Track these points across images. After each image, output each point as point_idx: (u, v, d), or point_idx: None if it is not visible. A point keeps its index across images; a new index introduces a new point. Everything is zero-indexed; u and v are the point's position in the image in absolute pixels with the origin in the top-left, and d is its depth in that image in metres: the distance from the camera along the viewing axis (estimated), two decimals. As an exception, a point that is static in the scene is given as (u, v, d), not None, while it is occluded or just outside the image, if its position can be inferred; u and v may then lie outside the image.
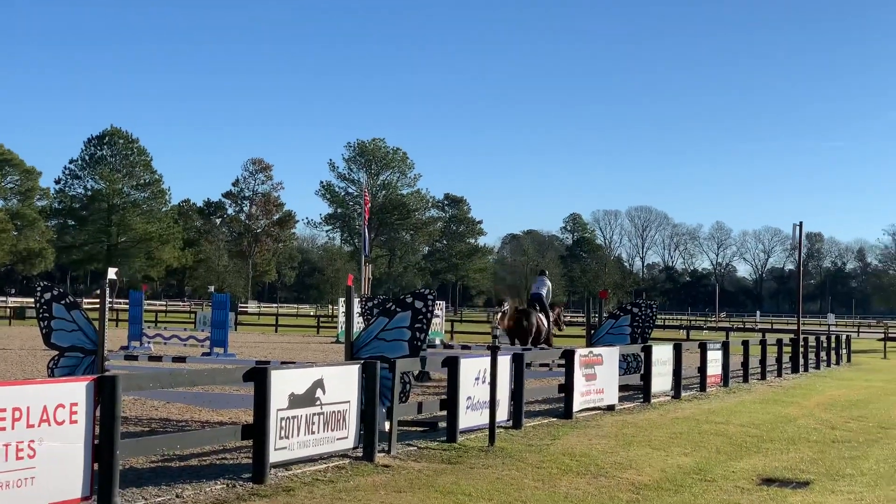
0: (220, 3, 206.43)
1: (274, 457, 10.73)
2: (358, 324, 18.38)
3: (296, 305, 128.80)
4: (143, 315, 35.84)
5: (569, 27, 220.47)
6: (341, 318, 44.13)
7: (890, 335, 53.02)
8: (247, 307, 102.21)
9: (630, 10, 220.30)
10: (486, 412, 14.09)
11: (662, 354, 21.56)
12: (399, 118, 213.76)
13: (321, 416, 11.49)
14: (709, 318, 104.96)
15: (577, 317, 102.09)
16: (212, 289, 54.99)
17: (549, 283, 32.77)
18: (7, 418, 7.81)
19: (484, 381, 14.36)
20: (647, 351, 20.84)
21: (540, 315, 29.92)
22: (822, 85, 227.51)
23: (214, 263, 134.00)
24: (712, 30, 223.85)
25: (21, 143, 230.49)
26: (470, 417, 14.23)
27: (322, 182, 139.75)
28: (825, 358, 35.46)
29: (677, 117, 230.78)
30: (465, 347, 25.77)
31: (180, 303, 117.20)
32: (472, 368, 14.36)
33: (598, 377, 18.20)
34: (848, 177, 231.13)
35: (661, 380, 21.37)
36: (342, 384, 11.88)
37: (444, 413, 14.10)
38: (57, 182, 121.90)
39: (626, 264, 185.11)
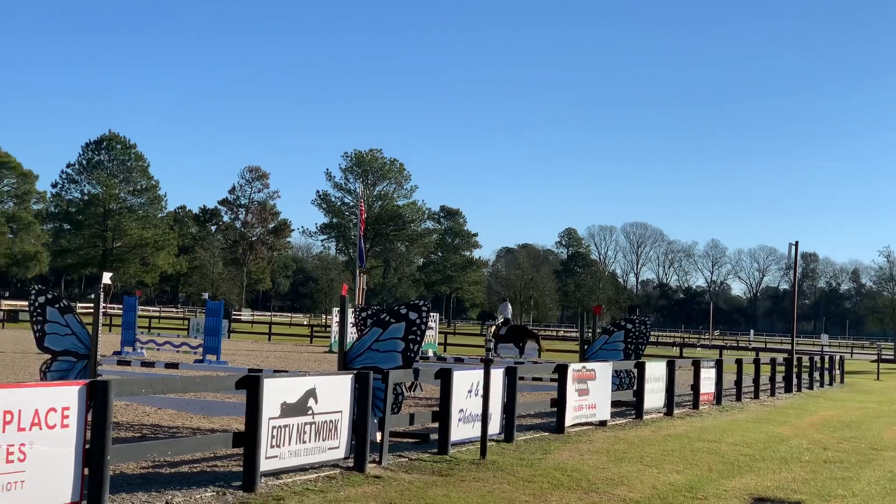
0: (221, 10, 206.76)
1: (265, 465, 10.70)
2: (351, 334, 18.34)
3: (289, 314, 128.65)
4: (136, 321, 35.76)
5: (565, 39, 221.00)
6: (335, 328, 44.08)
7: (883, 357, 53.09)
8: (240, 315, 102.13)
9: (623, 27, 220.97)
10: (479, 425, 14.07)
11: (656, 371, 21.55)
12: (396, 129, 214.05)
13: (313, 426, 11.46)
14: (702, 336, 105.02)
15: (571, 332, 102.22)
16: (206, 296, 54.83)
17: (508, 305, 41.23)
18: (-2, 421, 7.79)
19: (476, 394, 14.34)
20: (641, 367, 20.84)
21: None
22: (819, 103, 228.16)
23: (209, 270, 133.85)
24: (711, 48, 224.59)
25: (19, 146, 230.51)
26: (462, 430, 14.21)
27: (318, 191, 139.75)
28: (818, 378, 35.48)
29: (674, 134, 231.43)
30: (458, 360, 25.74)
31: (174, 309, 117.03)
32: (465, 381, 14.34)
33: (590, 392, 18.19)
34: (844, 197, 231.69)
35: (654, 396, 21.36)
36: (335, 394, 11.86)
37: (436, 425, 14.09)
38: (54, 186, 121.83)
39: (620, 280, 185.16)
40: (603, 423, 18.67)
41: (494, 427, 14.86)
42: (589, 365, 18.76)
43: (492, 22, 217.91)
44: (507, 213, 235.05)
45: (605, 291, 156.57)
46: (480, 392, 14.16)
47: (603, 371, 18.88)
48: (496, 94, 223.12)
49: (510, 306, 40.94)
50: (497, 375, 15.03)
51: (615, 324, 22.44)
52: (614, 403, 19.75)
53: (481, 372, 14.27)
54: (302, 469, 11.54)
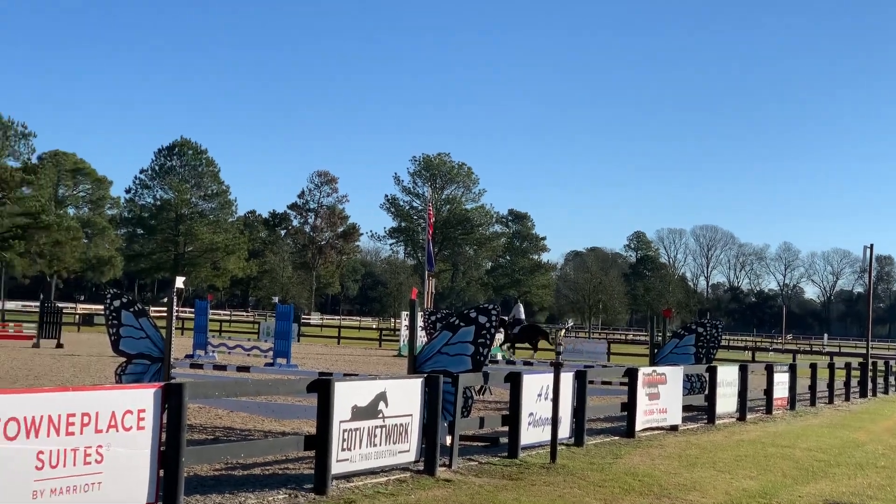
0: (287, 16, 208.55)
1: (336, 468, 10.76)
2: (421, 337, 18.39)
3: (358, 318, 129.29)
4: (208, 324, 36.20)
5: (629, 42, 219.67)
6: (404, 332, 44.19)
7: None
8: (310, 319, 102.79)
9: (697, 32, 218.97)
10: (548, 429, 14.03)
11: (728, 375, 21.32)
12: (465, 133, 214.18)
13: (383, 429, 11.50)
14: (775, 340, 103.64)
15: (640, 335, 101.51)
16: (276, 300, 55.34)
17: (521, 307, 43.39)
18: (76, 423, 7.92)
19: (546, 398, 14.30)
20: (713, 371, 20.62)
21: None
22: (891, 103, 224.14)
23: (279, 274, 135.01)
24: (781, 46, 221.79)
25: (94, 152, 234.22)
26: (532, 433, 14.17)
27: (387, 195, 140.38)
28: (894, 383, 34.86)
29: (745, 136, 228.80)
30: (527, 363, 25.66)
31: (244, 313, 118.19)
32: (535, 384, 14.31)
33: (661, 396, 18.05)
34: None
35: (726, 401, 21.13)
36: (405, 397, 11.89)
37: (506, 428, 14.07)
38: (127, 191, 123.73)
39: (690, 283, 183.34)
40: (674, 428, 18.51)
41: (564, 431, 14.80)
42: (659, 369, 18.62)
43: (558, 25, 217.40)
44: (575, 216, 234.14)
45: (674, 295, 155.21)
46: (550, 396, 14.12)
47: (674, 375, 18.73)
48: (565, 98, 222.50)
49: (522, 307, 43.16)
50: (567, 379, 14.98)
51: (686, 327, 22.25)
52: (685, 408, 19.57)
53: (551, 375, 14.23)
54: (372, 472, 11.59)
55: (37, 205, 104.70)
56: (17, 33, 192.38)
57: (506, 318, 41.06)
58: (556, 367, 14.12)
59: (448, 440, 12.70)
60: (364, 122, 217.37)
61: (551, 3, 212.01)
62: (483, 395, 21.57)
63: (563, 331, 27.38)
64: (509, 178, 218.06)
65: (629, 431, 17.05)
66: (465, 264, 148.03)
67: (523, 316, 42.62)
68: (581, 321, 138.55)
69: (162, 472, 8.78)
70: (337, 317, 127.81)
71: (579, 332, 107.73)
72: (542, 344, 40.51)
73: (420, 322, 16.46)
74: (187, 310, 74.96)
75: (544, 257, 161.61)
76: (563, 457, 13.97)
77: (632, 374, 17.46)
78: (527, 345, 41.22)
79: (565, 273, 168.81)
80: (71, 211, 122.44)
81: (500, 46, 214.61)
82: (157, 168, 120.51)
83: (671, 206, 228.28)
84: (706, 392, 20.68)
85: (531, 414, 14.15)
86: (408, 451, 11.97)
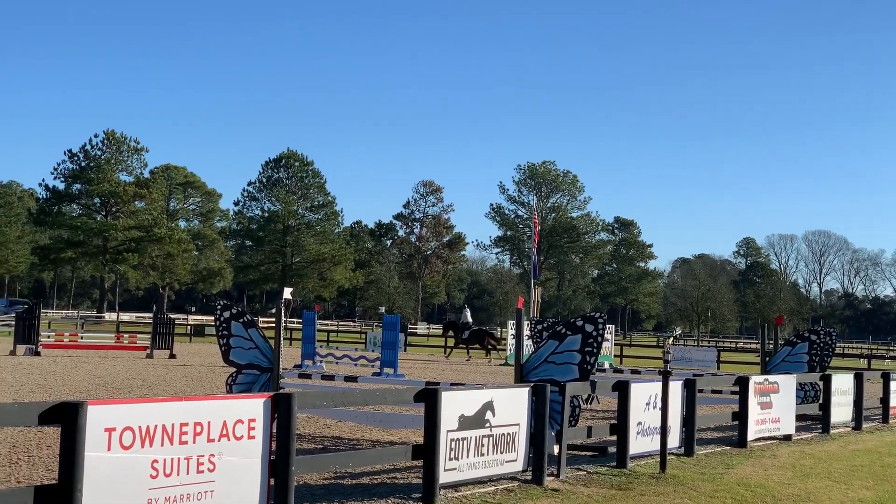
0: (396, 25, 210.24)
1: (443, 478, 10.76)
2: (527, 346, 18.33)
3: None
4: (315, 334, 36.57)
5: (741, 48, 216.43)
6: (510, 341, 44.15)
7: None
8: (416, 328, 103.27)
9: (811, 38, 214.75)
10: (657, 438, 13.86)
11: (843, 384, 20.81)
12: (569, 141, 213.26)
13: (490, 438, 11.48)
14: (892, 348, 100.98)
15: (751, 343, 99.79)
16: (382, 309, 55.70)
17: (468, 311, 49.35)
18: (189, 432, 8.06)
19: (655, 407, 14.13)
20: (827, 380, 20.15)
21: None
22: None
23: (385, 284, 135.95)
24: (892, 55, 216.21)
25: (203, 166, 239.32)
26: (640, 443, 14.01)
27: (492, 205, 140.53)
28: None
29: (855, 139, 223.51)
30: (634, 372, 25.41)
31: (351, 323, 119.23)
32: (643, 393, 14.15)
33: (773, 405, 17.69)
34: None
35: (841, 410, 20.62)
36: (512, 407, 11.86)
37: (614, 438, 13.94)
38: (236, 204, 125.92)
39: (802, 290, 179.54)
40: (787, 438, 18.13)
41: (674, 440, 14.60)
42: (771, 377, 18.26)
43: (657, 32, 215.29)
44: (682, 223, 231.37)
45: (786, 302, 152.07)
46: (658, 405, 13.95)
47: (786, 384, 18.35)
48: (670, 103, 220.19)
49: (468, 311, 48.98)
50: (675, 388, 14.78)
51: (798, 335, 21.78)
52: (799, 417, 19.16)
53: (659, 384, 14.06)
54: (480, 482, 11.57)
55: (149, 218, 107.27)
56: (129, 50, 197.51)
57: (458, 323, 46.09)
58: (665, 376, 13.95)
59: (555, 449, 12.62)
60: (469, 131, 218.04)
61: (655, 13, 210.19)
62: (590, 403, 21.40)
63: (672, 339, 27.03)
64: (615, 186, 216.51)
65: (741, 441, 16.75)
66: (570, 273, 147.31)
67: (470, 319, 46.86)
68: (689, 329, 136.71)
69: (272, 481, 8.88)
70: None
71: (687, 341, 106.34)
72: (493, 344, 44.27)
73: (526, 331, 16.40)
74: (295, 320, 75.98)
75: (651, 265, 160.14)
76: (673, 467, 13.78)
77: (743, 382, 17.15)
78: (477, 346, 45.59)
79: (673, 280, 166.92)
80: (182, 224, 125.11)
81: (604, 55, 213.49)
82: (264, 180, 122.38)
83: (781, 211, 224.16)
84: (820, 401, 20.22)
85: (640, 423, 13.99)
86: (515, 460, 11.93)
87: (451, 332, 50.26)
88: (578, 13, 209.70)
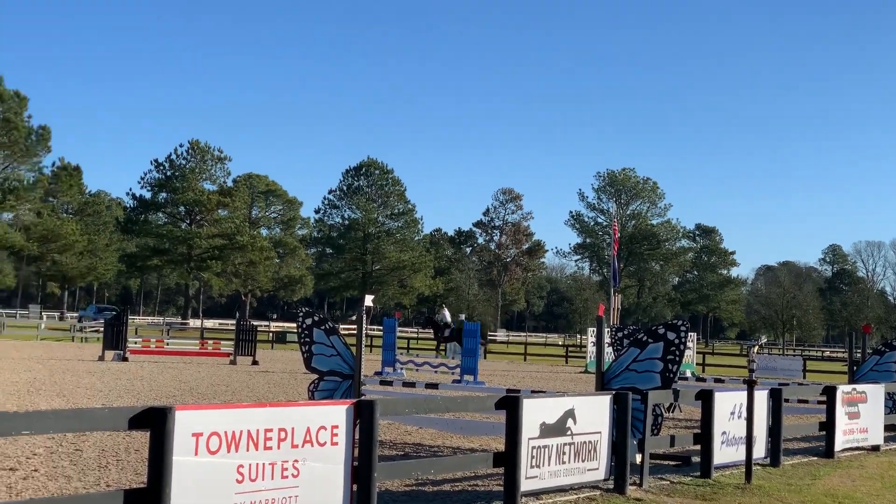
0: (472, 33, 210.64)
1: (525, 485, 10.74)
2: (608, 354, 18.23)
3: (544, 334, 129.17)
4: (396, 342, 36.71)
5: (824, 52, 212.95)
6: (590, 348, 43.91)
7: None
8: (496, 335, 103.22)
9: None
10: (742, 448, 13.68)
11: (932, 393, 20.35)
12: (650, 148, 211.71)
13: (572, 446, 11.43)
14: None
15: (837, 352, 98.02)
16: (462, 317, 55.81)
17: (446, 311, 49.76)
18: (274, 438, 8.16)
19: (739, 416, 13.96)
20: (916, 389, 19.72)
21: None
22: None
23: (464, 292, 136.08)
24: None
25: (284, 174, 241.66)
26: (725, 453, 13.85)
27: (571, 212, 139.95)
28: None
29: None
30: (717, 381, 25.11)
31: (431, 330, 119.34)
32: (727, 402, 13.99)
33: (861, 415, 17.37)
34: None
35: (931, 420, 20.17)
36: (593, 414, 11.80)
37: (698, 447, 13.78)
38: (317, 211, 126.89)
39: (890, 298, 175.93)
40: (875, 448, 17.78)
41: (759, 450, 14.40)
42: (859, 387, 17.93)
43: (739, 35, 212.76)
44: (766, 230, 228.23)
45: (873, 310, 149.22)
46: (743, 414, 13.77)
47: (875, 393, 18.01)
48: (752, 109, 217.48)
49: (447, 311, 49.96)
50: (761, 397, 14.59)
51: (886, 344, 21.35)
52: (887, 427, 18.78)
53: (743, 393, 13.89)
54: (561, 490, 11.52)
55: (232, 226, 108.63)
56: (212, 62, 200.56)
57: (437, 322, 47.19)
58: (750, 385, 13.77)
59: (638, 458, 12.53)
60: (548, 139, 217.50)
61: (736, 20, 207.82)
62: (672, 412, 21.21)
63: (756, 347, 26.63)
64: (697, 192, 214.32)
65: (828, 451, 16.47)
66: (651, 280, 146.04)
67: (449, 319, 47.78)
68: (774, 337, 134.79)
69: (355, 487, 8.94)
70: (522, 333, 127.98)
71: (772, 349, 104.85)
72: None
73: (606, 338, 16.31)
74: (375, 327, 76.37)
75: (734, 272, 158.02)
76: (759, 477, 13.59)
77: (830, 392, 16.87)
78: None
79: (756, 288, 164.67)
80: (264, 231, 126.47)
81: (686, 61, 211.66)
82: (345, 188, 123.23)
83: (869, 218, 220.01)
84: (909, 411, 19.80)
85: (724, 433, 13.83)
86: (597, 468, 11.87)
87: (431, 329, 52.24)
88: (658, 21, 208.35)
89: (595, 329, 14.21)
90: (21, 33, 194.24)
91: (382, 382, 21.72)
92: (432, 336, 51.27)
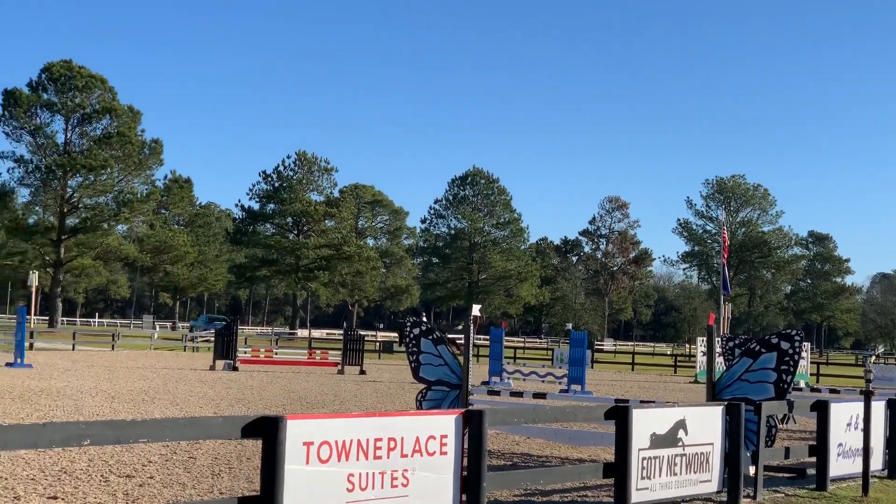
0: (576, 41, 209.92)
1: (635, 497, 10.61)
2: (718, 364, 17.94)
3: (652, 344, 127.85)
4: (503, 351, 36.67)
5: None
6: (700, 358, 43.29)
7: None
8: (603, 345, 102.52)
9: None
10: (859, 460, 13.34)
11: None
12: (760, 154, 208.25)
13: (684, 458, 11.26)
14: None
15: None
16: (569, 326, 55.52)
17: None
18: (383, 447, 8.18)
19: (856, 427, 13.61)
20: None
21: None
22: None
23: (571, 301, 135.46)
24: None
25: (391, 185, 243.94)
26: (841, 465, 13.51)
27: (679, 220, 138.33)
28: None
29: None
30: (833, 391, 24.51)
31: (537, 339, 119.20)
32: (844, 413, 13.65)
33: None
34: None
35: None
36: (705, 425, 11.60)
37: (813, 459, 13.47)
38: (423, 221, 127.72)
39: None
40: None
41: (876, 462, 14.02)
42: (982, 398, 17.34)
43: (860, 33, 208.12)
44: (882, 237, 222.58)
45: None
46: (860, 425, 13.42)
47: None
48: (864, 112, 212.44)
49: (424, 317, 50.51)
50: (878, 408, 14.20)
51: None
52: None
53: (860, 404, 13.54)
54: (672, 502, 11.35)
55: (339, 236, 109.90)
56: (315, 77, 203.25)
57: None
58: (867, 396, 13.41)
59: (752, 470, 12.29)
60: (654, 146, 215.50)
61: (848, 14, 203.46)
62: (786, 423, 20.78)
63: (873, 357, 25.99)
64: (809, 199, 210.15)
65: (949, 465, 15.94)
66: (762, 288, 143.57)
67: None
68: (890, 347, 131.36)
69: (464, 497, 8.92)
70: (630, 343, 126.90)
71: (888, 359, 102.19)
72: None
73: (717, 348, 16.06)
74: (482, 337, 76.50)
75: (848, 280, 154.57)
76: (876, 490, 13.22)
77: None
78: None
79: (871, 296, 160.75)
80: (370, 241, 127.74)
81: (798, 63, 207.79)
82: (450, 198, 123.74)
83: None
84: None
85: (840, 444, 13.49)
86: (709, 480, 11.66)
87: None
88: (769, 24, 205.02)
89: (705, 338, 14.00)
90: (135, 50, 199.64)
91: (490, 392, 21.67)
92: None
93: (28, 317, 41.55)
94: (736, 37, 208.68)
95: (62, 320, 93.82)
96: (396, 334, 76.63)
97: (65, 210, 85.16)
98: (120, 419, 7.86)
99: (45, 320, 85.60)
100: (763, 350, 12.84)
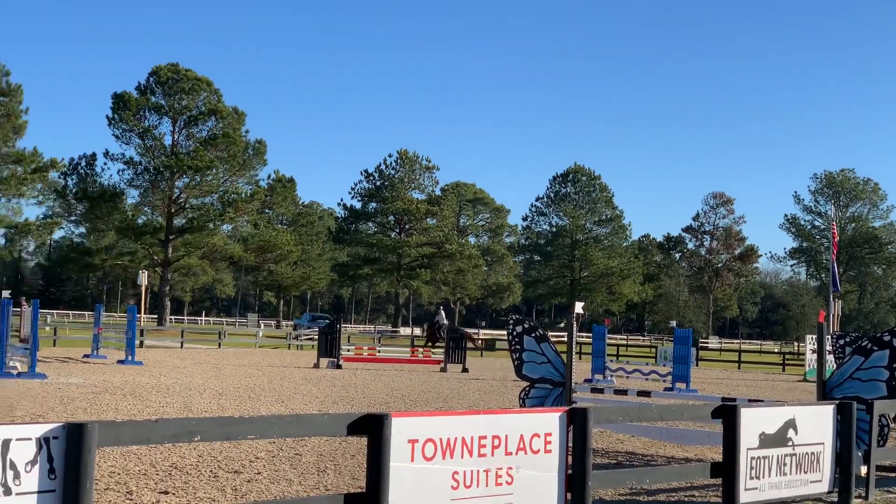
0: (683, 32, 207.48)
1: (744, 497, 10.44)
2: (829, 362, 17.57)
3: (758, 342, 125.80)
4: (605, 349, 36.41)
5: None
6: (809, 356, 42.49)
7: None
8: (707, 343, 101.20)
9: None
10: (977, 462, 12.94)
11: None
12: (867, 147, 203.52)
13: (793, 458, 11.05)
14: None
15: None
16: (673, 323, 54.96)
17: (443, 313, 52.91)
18: (488, 445, 8.18)
19: (974, 428, 13.21)
20: None
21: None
22: None
23: (674, 298, 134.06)
24: None
25: (492, 183, 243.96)
26: (958, 467, 13.13)
27: (786, 215, 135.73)
28: None
29: None
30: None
31: (640, 337, 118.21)
32: (960, 413, 13.26)
33: None
34: None
35: None
36: (815, 425, 11.37)
37: (928, 460, 13.12)
38: (524, 219, 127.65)
39: None
40: None
41: None
42: None
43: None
44: None
45: None
46: (978, 426, 13.03)
47: None
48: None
49: (444, 312, 53.26)
50: None
51: None
52: None
53: (978, 404, 13.13)
54: (782, 502, 11.15)
55: (440, 234, 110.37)
56: (415, 74, 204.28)
57: (437, 323, 49.25)
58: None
59: (863, 471, 12.02)
60: (760, 140, 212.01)
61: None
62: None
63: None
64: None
65: None
66: (872, 285, 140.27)
67: (446, 321, 49.83)
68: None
69: (569, 495, 8.87)
70: (736, 340, 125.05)
71: None
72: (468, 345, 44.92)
73: (827, 346, 15.73)
74: (585, 334, 76.10)
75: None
76: None
77: None
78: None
79: None
80: (472, 239, 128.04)
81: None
82: (552, 195, 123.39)
83: None
84: None
85: (956, 445, 13.12)
86: (820, 480, 11.43)
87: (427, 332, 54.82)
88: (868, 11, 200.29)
89: (815, 336, 13.75)
90: (239, 51, 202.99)
91: (593, 390, 21.54)
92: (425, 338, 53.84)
93: (138, 315, 42.53)
94: (845, 25, 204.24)
95: (170, 319, 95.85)
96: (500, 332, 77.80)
97: (172, 210, 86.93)
98: (228, 416, 7.99)
99: (155, 319, 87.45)
100: (875, 348, 12.56)
